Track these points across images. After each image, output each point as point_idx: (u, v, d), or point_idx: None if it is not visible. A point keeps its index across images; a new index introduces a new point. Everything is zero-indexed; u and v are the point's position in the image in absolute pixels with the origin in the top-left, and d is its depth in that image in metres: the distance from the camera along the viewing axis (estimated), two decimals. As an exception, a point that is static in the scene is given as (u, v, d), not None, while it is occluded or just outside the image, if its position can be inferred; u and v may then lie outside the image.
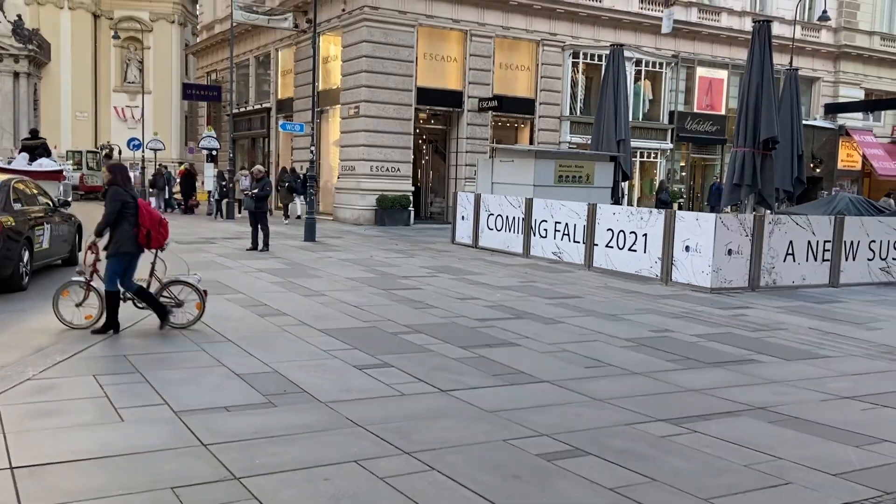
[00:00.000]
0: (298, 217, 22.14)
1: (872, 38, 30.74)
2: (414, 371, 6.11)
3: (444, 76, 22.99)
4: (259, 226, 14.41)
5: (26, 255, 9.76)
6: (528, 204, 14.71)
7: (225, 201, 23.35)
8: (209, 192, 25.92)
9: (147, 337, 7.08)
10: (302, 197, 21.84)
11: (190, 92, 32.74)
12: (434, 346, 7.05)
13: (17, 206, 9.89)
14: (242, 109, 30.04)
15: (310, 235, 16.51)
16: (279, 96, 27.64)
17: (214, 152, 26.73)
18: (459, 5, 22.42)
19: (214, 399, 5.21)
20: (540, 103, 24.24)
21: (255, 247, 14.42)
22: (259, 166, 16.09)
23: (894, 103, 29.89)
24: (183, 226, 19.90)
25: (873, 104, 30.63)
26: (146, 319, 7.76)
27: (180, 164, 28.31)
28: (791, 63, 23.72)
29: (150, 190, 25.95)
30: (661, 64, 26.21)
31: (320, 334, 7.37)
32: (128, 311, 7.51)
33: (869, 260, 12.51)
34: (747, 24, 25.29)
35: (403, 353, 6.74)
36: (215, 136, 27.52)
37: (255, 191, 14.58)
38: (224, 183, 23.58)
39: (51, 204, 11.34)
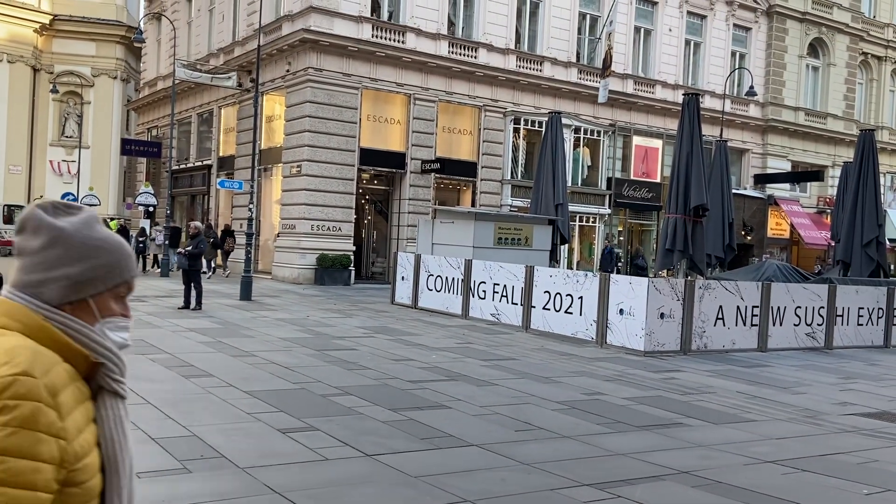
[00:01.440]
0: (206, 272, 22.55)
1: (797, 114, 32.39)
2: (340, 435, 5.95)
3: (387, 138, 23.23)
4: (192, 284, 14.08)
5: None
6: (468, 265, 14.78)
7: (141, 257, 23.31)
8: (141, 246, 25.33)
9: (61, 398, 6.75)
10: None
11: (129, 147, 32.29)
12: (363, 408, 6.90)
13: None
14: (183, 166, 29.72)
15: (245, 294, 16.20)
16: (221, 153, 27.47)
17: (151, 209, 26.24)
18: (403, 70, 22.85)
19: (125, 465, 4.95)
20: (482, 166, 24.64)
21: (186, 305, 14.06)
22: (196, 223, 15.83)
23: (818, 175, 31.39)
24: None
25: (799, 175, 32.08)
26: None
27: (113, 220, 27.62)
28: (721, 134, 24.75)
29: None
30: (598, 132, 27.03)
31: (246, 396, 7.14)
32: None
33: (795, 325, 12.88)
34: (680, 97, 26.33)
35: (331, 415, 6.58)
36: (153, 192, 27.09)
37: (189, 248, 14.30)
38: (142, 239, 23.35)
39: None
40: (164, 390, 7.24)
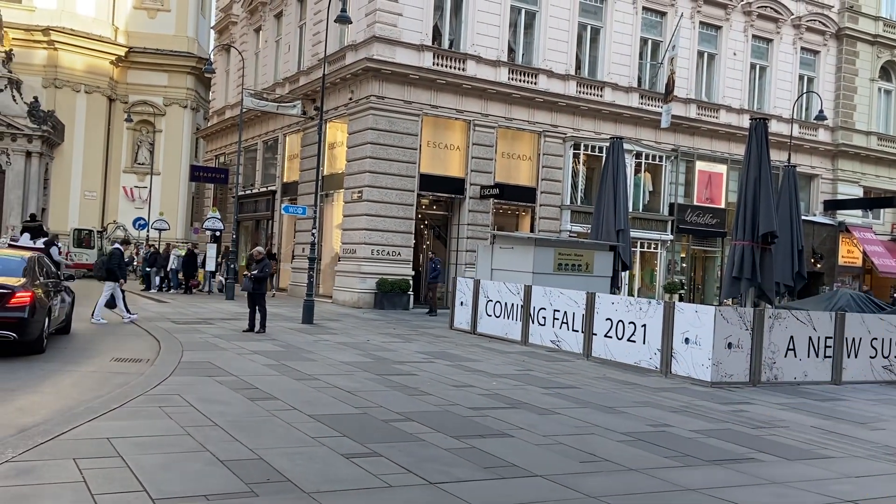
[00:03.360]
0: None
1: (869, 138, 31.38)
2: (403, 461, 5.93)
3: (446, 163, 23.40)
4: (256, 307, 14.35)
5: (47, 322, 10.87)
6: (527, 291, 14.67)
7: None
8: (209, 272, 25.99)
9: (132, 419, 6.92)
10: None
11: (197, 174, 33.30)
12: (426, 434, 6.87)
13: (41, 280, 11.12)
14: (248, 192, 30.47)
15: (308, 318, 16.42)
16: (285, 179, 28.08)
17: (218, 233, 26.94)
18: (463, 96, 23.03)
19: (195, 486, 5.04)
20: (541, 192, 24.56)
21: (251, 328, 14.32)
22: (260, 248, 16.16)
23: (892, 201, 30.25)
24: (182, 305, 19.84)
25: (871, 202, 30.99)
26: (135, 399, 7.63)
27: (168, 244, 28.43)
28: (789, 159, 24.15)
29: (149, 269, 26.05)
30: (660, 157, 26.68)
31: (310, 420, 7.20)
32: (112, 386, 7.37)
33: (871, 357, 12.35)
34: (745, 121, 25.88)
35: (394, 441, 6.57)
36: (219, 217, 27.81)
37: (255, 272, 14.60)
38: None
39: (60, 278, 12.88)
40: (230, 413, 7.35)
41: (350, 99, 22.94)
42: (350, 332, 15.46)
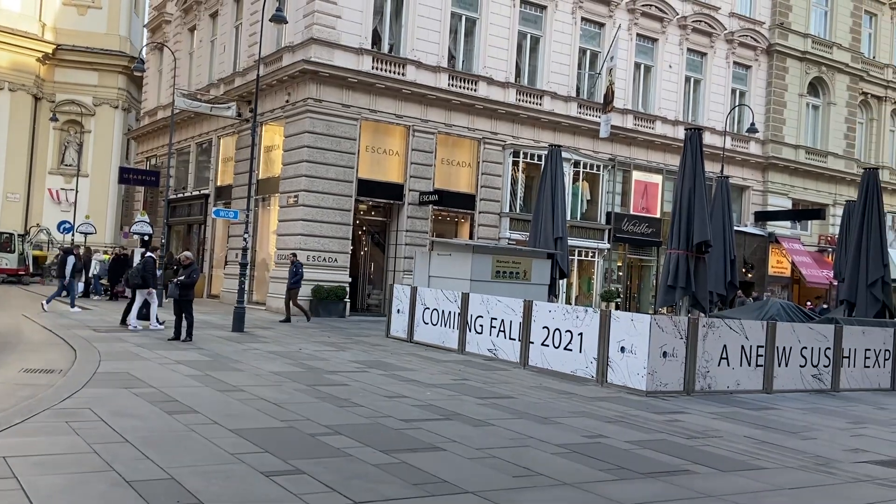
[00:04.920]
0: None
1: (798, 152, 32.35)
2: (327, 479, 5.60)
3: (385, 169, 23.08)
4: (183, 314, 13.75)
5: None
6: (465, 298, 14.47)
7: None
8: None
9: (35, 435, 6.40)
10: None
11: (127, 176, 32.13)
12: (354, 449, 6.55)
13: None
14: (180, 195, 29.54)
15: (238, 326, 15.86)
16: (218, 183, 27.30)
17: (147, 237, 25.99)
18: (403, 101, 22.77)
19: (94, 511, 4.61)
20: (480, 199, 24.45)
21: (177, 337, 13.71)
22: (188, 252, 15.54)
23: (820, 213, 31.22)
24: (105, 312, 18.99)
25: (799, 214, 31.93)
26: (41, 414, 7.09)
27: (88, 248, 27.18)
28: (722, 171, 24.63)
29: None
30: (598, 166, 26.92)
31: (231, 435, 6.80)
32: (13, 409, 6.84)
33: (801, 366, 12.53)
34: (680, 133, 26.33)
35: (319, 457, 6.23)
36: (149, 221, 26.85)
37: (182, 278, 14.00)
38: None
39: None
40: (144, 428, 6.89)
41: (287, 101, 22.42)
42: (282, 340, 14.98)
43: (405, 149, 23.12)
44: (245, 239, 17.48)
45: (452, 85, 23.72)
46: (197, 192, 28.62)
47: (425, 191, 23.09)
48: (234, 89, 25.07)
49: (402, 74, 22.75)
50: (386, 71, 22.51)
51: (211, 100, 25.89)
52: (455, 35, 24.37)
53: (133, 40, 44.85)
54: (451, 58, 24.29)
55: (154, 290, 15.55)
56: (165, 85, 31.59)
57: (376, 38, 22.94)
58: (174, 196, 28.70)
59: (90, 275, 24.27)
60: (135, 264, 24.74)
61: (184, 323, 13.74)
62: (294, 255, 19.78)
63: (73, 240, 31.49)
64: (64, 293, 19.51)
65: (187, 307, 13.80)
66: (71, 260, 19.43)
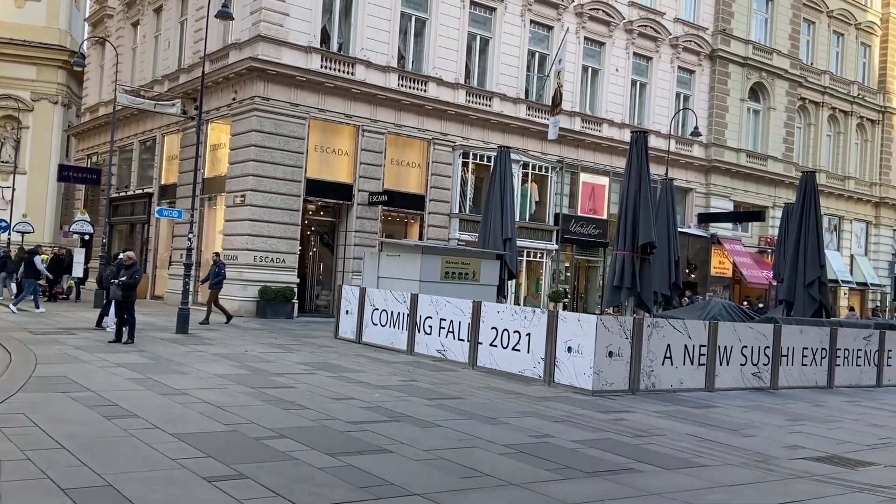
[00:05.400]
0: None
1: (739, 155, 33.19)
2: (272, 483, 5.51)
3: (334, 169, 22.88)
4: (125, 315, 13.40)
5: None
6: (414, 299, 14.43)
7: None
8: (77, 278, 24.33)
9: (-37, 443, 6.15)
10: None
11: (66, 174, 31.15)
12: (299, 452, 6.46)
13: None
14: (123, 194, 28.80)
15: (182, 327, 15.53)
16: (162, 182, 26.70)
17: (88, 237, 25.26)
18: (352, 101, 22.61)
19: (25, 521, 4.45)
20: (430, 200, 24.45)
21: (118, 339, 13.35)
22: (130, 252, 15.15)
23: (759, 215, 32.12)
24: (44, 314, 18.38)
25: (741, 215, 32.78)
26: (-33, 422, 6.80)
27: (20, 248, 26.21)
28: (667, 173, 25.13)
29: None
30: (546, 168, 27.18)
31: (172, 439, 6.63)
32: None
33: (741, 365, 12.85)
34: (626, 135, 26.71)
35: (263, 461, 6.13)
36: (90, 220, 26.11)
37: (124, 278, 13.63)
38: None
39: None
40: (82, 433, 6.68)
41: (233, 99, 22.05)
42: (227, 342, 14.71)
43: (354, 149, 22.97)
44: (190, 239, 17.13)
45: (402, 85, 23.66)
46: (140, 191, 27.95)
47: (375, 191, 22.98)
48: (179, 86, 24.56)
49: (352, 74, 22.60)
50: (335, 70, 22.32)
51: (155, 97, 25.31)
52: (405, 35, 24.31)
53: (74, 34, 43.56)
54: (401, 58, 24.23)
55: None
56: (107, 81, 30.76)
57: (325, 37, 22.73)
58: (116, 195, 27.96)
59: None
60: (73, 262, 24.14)
61: (125, 326, 13.38)
62: (217, 254, 19.26)
63: (9, 239, 30.43)
64: (11, 294, 19.45)
65: (129, 308, 13.45)
66: (38, 260, 19.89)
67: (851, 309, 35.63)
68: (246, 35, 21.63)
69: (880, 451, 8.55)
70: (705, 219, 31.91)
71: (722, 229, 32.84)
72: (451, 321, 13.57)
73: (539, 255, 27.09)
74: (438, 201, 24.61)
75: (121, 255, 14.96)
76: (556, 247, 27.29)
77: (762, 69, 33.75)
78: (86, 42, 33.40)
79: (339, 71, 22.38)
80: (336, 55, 22.58)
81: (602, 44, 28.89)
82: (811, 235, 16.46)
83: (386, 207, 23.35)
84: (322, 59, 22.09)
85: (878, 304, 38.21)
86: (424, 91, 24.11)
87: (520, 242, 22.36)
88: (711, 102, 32.36)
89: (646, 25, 29.85)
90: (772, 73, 34.15)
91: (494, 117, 25.59)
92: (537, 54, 27.35)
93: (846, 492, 6.48)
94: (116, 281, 13.82)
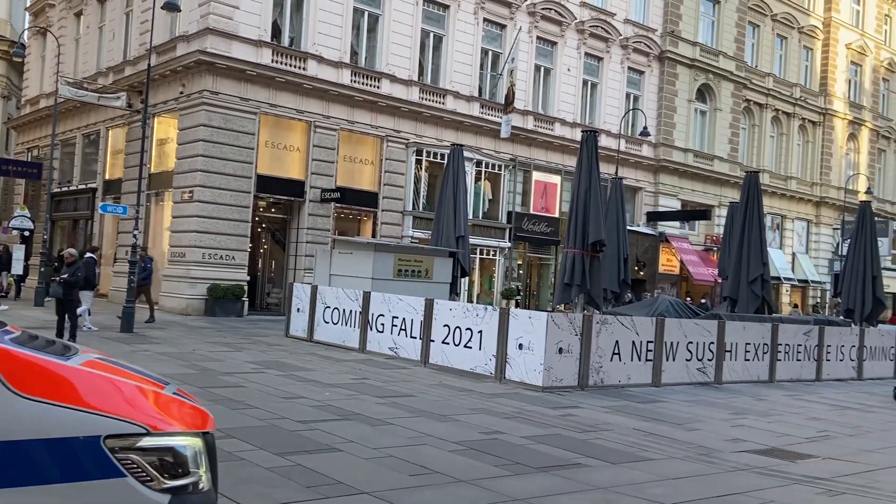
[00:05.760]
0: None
1: (687, 155, 33.86)
2: (218, 484, 5.41)
3: (286, 165, 22.63)
4: (66, 315, 13.04)
5: None
6: (366, 297, 14.37)
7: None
8: (17, 276, 23.59)
9: None
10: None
11: (6, 168, 30.15)
12: (247, 452, 6.37)
13: None
14: (65, 189, 28.01)
15: (127, 326, 15.18)
16: (107, 177, 26.05)
17: (27, 233, 24.50)
18: (304, 97, 22.38)
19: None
20: (383, 197, 24.36)
21: (59, 338, 12.99)
22: (72, 249, 14.75)
23: (706, 214, 32.83)
24: (-20, 313, 17.77)
25: (688, 214, 33.45)
26: None
27: None
28: (616, 172, 25.50)
29: None
30: (500, 166, 27.34)
31: (115, 441, 6.47)
32: None
33: (687, 360, 13.12)
34: (578, 134, 27.00)
35: (210, 462, 6.01)
36: (30, 216, 25.33)
37: (65, 276, 13.27)
38: None
39: None
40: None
41: (181, 93, 21.63)
42: (175, 341, 14.44)
43: (307, 145, 22.74)
44: (135, 235, 16.75)
45: (355, 81, 23.52)
46: (83, 186, 27.23)
47: (327, 188, 22.80)
48: (125, 79, 23.99)
49: (304, 69, 22.37)
50: (286, 65, 22.06)
51: (99, 89, 24.66)
52: (358, 31, 24.16)
53: (14, 24, 42.18)
54: (354, 54, 24.07)
55: (92, 292, 15.36)
56: (49, 72, 29.86)
57: (276, 31, 22.46)
58: (58, 189, 27.20)
59: None
60: (11, 259, 23.41)
61: (67, 324, 13.03)
62: (144, 250, 18.75)
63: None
64: None
65: (70, 307, 13.10)
66: None
67: (795, 306, 36.70)
68: (194, 27, 21.23)
69: (819, 443, 8.83)
70: (654, 217, 32.48)
71: (670, 228, 33.46)
72: (404, 319, 13.55)
73: (492, 252, 27.23)
74: (392, 199, 24.54)
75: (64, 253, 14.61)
76: (508, 244, 27.47)
77: (709, 71, 34.48)
78: (26, 32, 32.36)
79: (290, 66, 22.13)
80: (287, 50, 22.32)
81: (554, 43, 29.15)
82: (754, 234, 16.88)
83: (339, 204, 23.19)
84: (273, 54, 21.82)
85: (819, 300, 39.41)
86: (378, 87, 24.00)
87: (473, 240, 22.44)
88: (660, 103, 32.93)
89: (597, 26, 30.21)
90: (718, 75, 34.91)
91: (448, 115, 25.62)
92: (491, 52, 27.47)
93: (785, 484, 6.67)
94: (58, 278, 13.45)
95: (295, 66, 22.22)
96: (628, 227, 21.63)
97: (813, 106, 40.49)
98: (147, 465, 2.33)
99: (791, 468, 7.30)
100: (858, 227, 19.43)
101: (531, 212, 28.38)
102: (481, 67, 27.19)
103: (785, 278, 37.21)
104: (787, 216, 39.23)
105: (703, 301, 28.49)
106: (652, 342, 12.55)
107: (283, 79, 21.77)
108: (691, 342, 13.18)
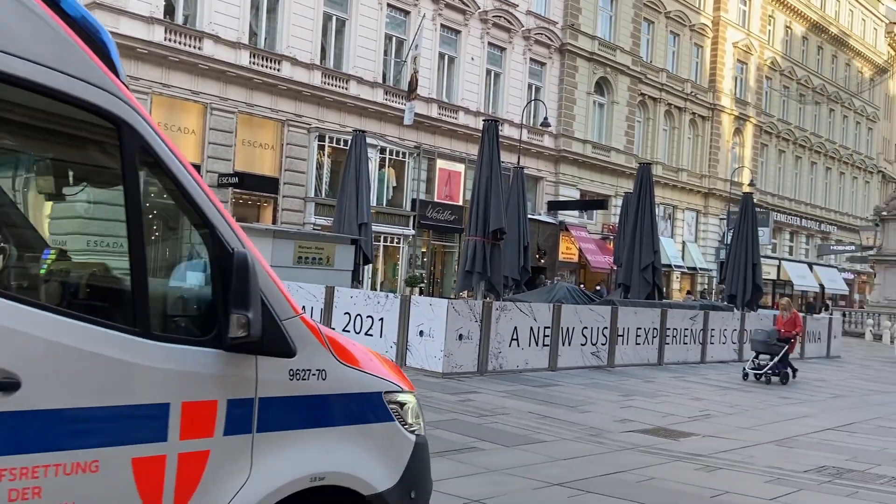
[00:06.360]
0: None
1: (585, 146, 34.83)
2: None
3: (180, 148, 21.63)
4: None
5: None
6: (264, 285, 14.05)
7: None
8: None
9: None
10: None
11: None
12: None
13: None
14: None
15: None
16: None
17: None
18: (200, 77, 21.66)
19: None
20: (284, 183, 23.91)
21: None
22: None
23: (603, 204, 33.92)
24: None
25: (586, 204, 34.47)
26: None
27: None
28: (518, 161, 25.94)
29: None
30: (404, 153, 27.31)
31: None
32: None
33: (582, 345, 13.55)
34: (482, 123, 27.33)
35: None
36: None
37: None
38: None
39: None
40: None
41: (67, 70, 20.48)
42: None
43: (202, 127, 22.03)
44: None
45: (254, 63, 22.94)
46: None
47: (225, 172, 22.17)
48: None
49: (199, 49, 21.63)
50: (180, 44, 21.28)
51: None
52: (257, 11, 23.55)
53: None
54: (253, 34, 23.46)
55: None
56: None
57: (170, 9, 21.60)
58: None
59: None
60: None
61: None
62: None
63: None
64: None
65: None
66: None
67: (689, 293, 38.56)
68: (81, 1, 20.11)
69: (700, 422, 9.32)
70: (554, 206, 33.28)
71: (569, 217, 34.38)
72: (304, 307, 13.29)
73: (396, 240, 27.22)
74: (293, 185, 24.13)
75: None
76: (413, 232, 27.52)
77: (607, 65, 35.51)
78: None
79: (184, 45, 21.35)
80: (182, 28, 21.52)
81: (458, 32, 29.31)
82: (646, 223, 17.56)
83: (237, 190, 22.61)
84: (166, 32, 20.99)
85: (706, 287, 41.47)
86: (278, 70, 23.49)
87: (377, 227, 22.36)
88: (561, 95, 33.70)
89: (500, 16, 30.56)
90: (615, 69, 36.02)
91: (351, 100, 25.37)
92: (395, 38, 27.35)
93: (667, 461, 7.01)
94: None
95: (189, 46, 21.46)
96: (529, 216, 22.07)
97: (702, 101, 42.40)
98: (402, 413, 3.18)
99: (674, 446, 7.68)
100: (741, 218, 20.52)
101: (435, 199, 28.52)
102: (385, 53, 27.06)
103: (675, 266, 38.94)
104: (679, 206, 41.02)
105: (597, 288, 29.48)
106: (549, 328, 12.88)
107: (177, 58, 20.99)
108: (586, 327, 13.61)
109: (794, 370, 14.39)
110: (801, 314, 16.35)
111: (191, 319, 2.72)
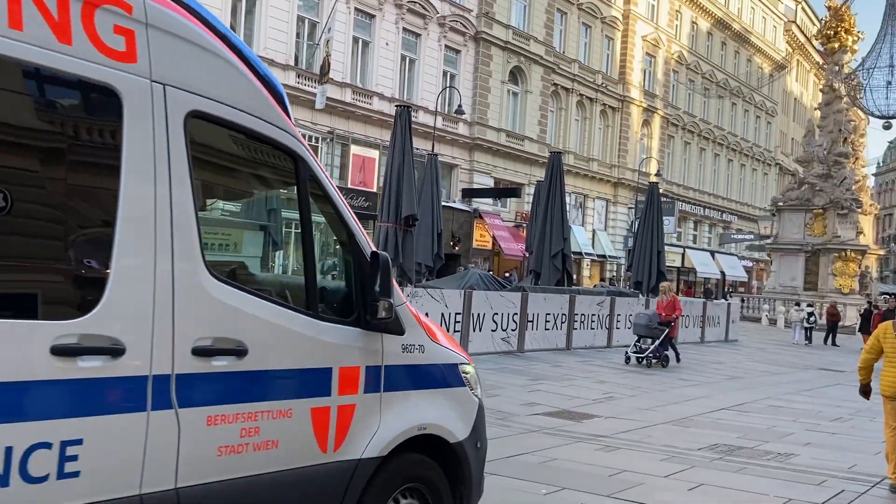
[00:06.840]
0: None
1: (500, 134, 35.18)
2: None
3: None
4: None
5: None
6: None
7: None
8: None
9: None
10: None
11: None
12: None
13: None
14: None
15: None
16: None
17: None
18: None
19: None
20: (191, 167, 23.14)
21: None
22: None
23: (516, 192, 34.40)
24: None
25: (500, 192, 34.87)
26: None
27: None
28: (433, 148, 25.96)
29: None
30: (317, 138, 26.89)
31: None
32: None
33: (493, 331, 13.73)
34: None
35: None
36: None
37: None
38: None
39: None
40: None
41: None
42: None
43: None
44: None
45: (159, 42, 22.04)
46: None
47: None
48: None
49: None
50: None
51: None
52: (163, -12, 22.62)
53: None
54: (159, 12, 22.53)
55: None
56: None
57: None
58: None
59: None
60: None
61: None
62: None
63: None
64: None
65: None
66: None
67: (602, 280, 39.60)
68: None
69: (603, 404, 9.60)
70: (468, 194, 33.52)
71: (484, 204, 34.70)
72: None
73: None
74: (200, 168, 23.38)
75: None
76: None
77: (521, 54, 35.90)
78: None
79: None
80: None
81: (372, 16, 29.02)
82: (556, 211, 17.90)
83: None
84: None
85: (615, 274, 42.72)
86: (185, 50, 22.66)
87: (287, 214, 21.94)
88: (475, 83, 33.88)
89: (415, 2, 30.42)
90: (529, 59, 36.46)
91: (261, 83, 24.73)
92: (307, 21, 26.85)
93: (570, 442, 7.19)
94: None
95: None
96: (444, 203, 22.13)
97: (613, 93, 43.48)
98: (469, 380, 4.01)
99: (577, 427, 7.88)
100: (647, 207, 21.19)
101: (349, 186, 28.23)
102: (298, 36, 26.52)
103: (586, 253, 39.92)
104: (589, 195, 42.02)
105: (506, 274, 29.92)
106: (460, 314, 12.99)
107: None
108: (497, 313, 13.80)
109: (677, 354, 14.95)
110: (679, 297, 17.01)
111: (341, 305, 3.47)
